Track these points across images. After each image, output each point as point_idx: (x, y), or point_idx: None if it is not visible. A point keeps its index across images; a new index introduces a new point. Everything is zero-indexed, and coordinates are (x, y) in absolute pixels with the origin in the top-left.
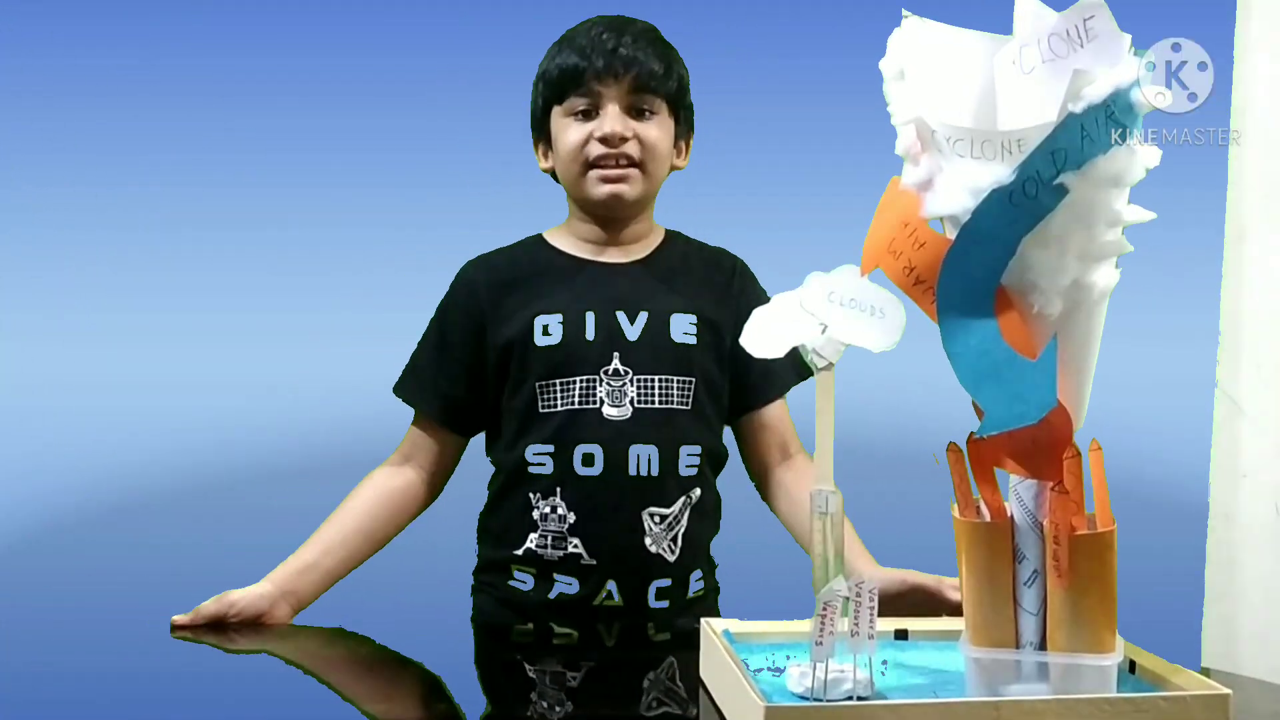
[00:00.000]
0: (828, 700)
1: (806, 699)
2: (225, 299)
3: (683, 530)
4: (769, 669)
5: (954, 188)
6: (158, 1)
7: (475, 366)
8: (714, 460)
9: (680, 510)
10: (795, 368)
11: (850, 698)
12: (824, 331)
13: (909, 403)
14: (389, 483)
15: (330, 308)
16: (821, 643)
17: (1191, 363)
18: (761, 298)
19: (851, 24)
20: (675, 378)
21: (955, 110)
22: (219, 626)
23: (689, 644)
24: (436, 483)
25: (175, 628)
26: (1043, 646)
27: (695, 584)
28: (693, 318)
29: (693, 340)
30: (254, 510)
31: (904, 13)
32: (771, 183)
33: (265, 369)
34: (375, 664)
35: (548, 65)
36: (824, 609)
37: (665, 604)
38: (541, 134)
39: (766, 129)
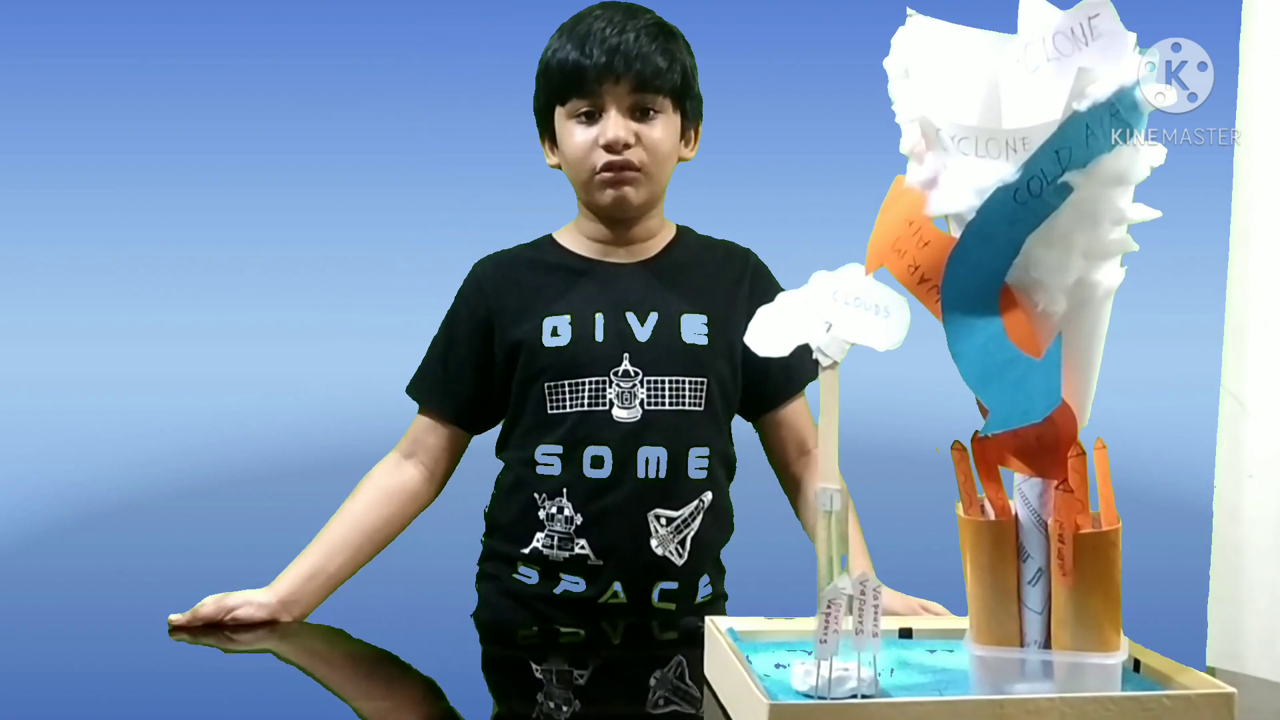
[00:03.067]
0: (832, 698)
1: (811, 697)
2: (225, 299)
3: (693, 534)
4: (774, 666)
5: (959, 186)
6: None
7: (484, 365)
8: (725, 463)
9: (691, 514)
10: (813, 363)
11: (855, 696)
12: (828, 330)
13: (913, 402)
14: (390, 480)
15: (331, 308)
16: (826, 640)
17: (1196, 362)
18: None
19: (856, 23)
20: (687, 379)
21: (960, 109)
22: (216, 627)
23: (696, 642)
24: (439, 479)
25: (172, 627)
26: (1047, 645)
27: (703, 589)
28: (704, 318)
29: (704, 341)
30: (254, 510)
31: (909, 11)
32: (776, 181)
33: (265, 369)
34: (373, 664)
35: (549, 58)
36: (828, 607)
37: (671, 606)
38: (547, 130)
39: (771, 127)
